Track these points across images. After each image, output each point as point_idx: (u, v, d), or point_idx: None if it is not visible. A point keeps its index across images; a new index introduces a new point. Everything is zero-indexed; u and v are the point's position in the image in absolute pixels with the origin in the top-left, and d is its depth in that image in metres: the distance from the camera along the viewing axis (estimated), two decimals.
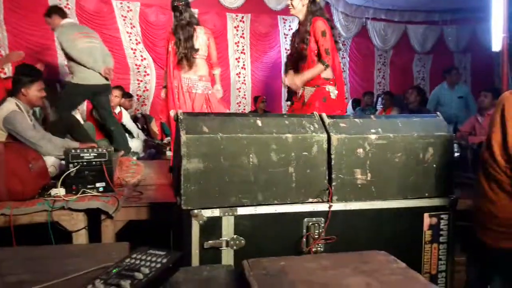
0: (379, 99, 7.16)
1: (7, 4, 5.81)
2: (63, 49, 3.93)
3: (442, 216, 1.74)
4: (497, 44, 4.23)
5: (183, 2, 3.36)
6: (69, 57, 3.91)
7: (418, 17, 8.58)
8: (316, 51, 2.87)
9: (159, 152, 4.81)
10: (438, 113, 1.91)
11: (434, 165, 1.75)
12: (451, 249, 1.76)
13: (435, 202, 1.75)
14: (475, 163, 3.37)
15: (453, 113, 5.57)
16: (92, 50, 3.98)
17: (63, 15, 4.07)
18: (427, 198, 1.75)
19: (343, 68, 8.53)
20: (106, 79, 4.05)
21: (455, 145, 1.85)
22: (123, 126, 5.03)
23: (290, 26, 7.86)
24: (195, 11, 4.82)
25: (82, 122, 4.27)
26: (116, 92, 5.07)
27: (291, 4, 2.93)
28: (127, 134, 4.94)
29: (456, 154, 1.93)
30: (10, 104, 2.94)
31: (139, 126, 5.48)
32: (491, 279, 1.63)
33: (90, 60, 3.90)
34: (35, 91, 3.06)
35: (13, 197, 2.23)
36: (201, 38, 3.41)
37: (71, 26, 4.08)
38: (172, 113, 3.32)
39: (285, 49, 7.46)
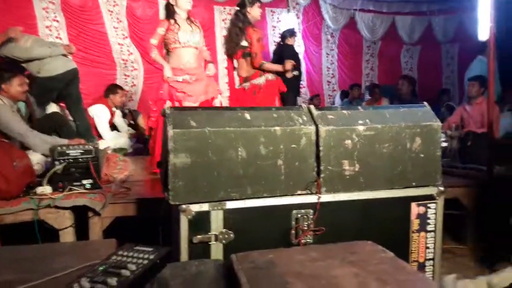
0: (367, 91, 7.17)
1: None
2: (18, 60, 3.73)
3: (429, 205, 1.75)
4: (484, 33, 4.25)
5: None
6: (28, 61, 3.75)
7: (406, 7, 8.59)
8: None
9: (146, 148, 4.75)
10: (425, 103, 1.91)
11: (422, 155, 1.76)
12: (438, 237, 1.78)
13: (423, 191, 1.76)
14: (462, 152, 3.42)
15: None
16: (38, 42, 3.91)
17: None
18: (415, 188, 1.75)
19: (331, 60, 8.56)
20: (72, 62, 3.97)
21: (442, 135, 1.85)
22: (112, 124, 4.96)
23: (278, 18, 7.82)
24: None
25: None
26: (121, 92, 4.96)
27: None
28: (115, 131, 4.88)
29: (444, 144, 1.94)
30: None
31: (127, 121, 5.42)
32: None
33: (45, 49, 3.82)
34: (16, 86, 3.06)
35: None
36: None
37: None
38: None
39: (274, 41, 7.43)
